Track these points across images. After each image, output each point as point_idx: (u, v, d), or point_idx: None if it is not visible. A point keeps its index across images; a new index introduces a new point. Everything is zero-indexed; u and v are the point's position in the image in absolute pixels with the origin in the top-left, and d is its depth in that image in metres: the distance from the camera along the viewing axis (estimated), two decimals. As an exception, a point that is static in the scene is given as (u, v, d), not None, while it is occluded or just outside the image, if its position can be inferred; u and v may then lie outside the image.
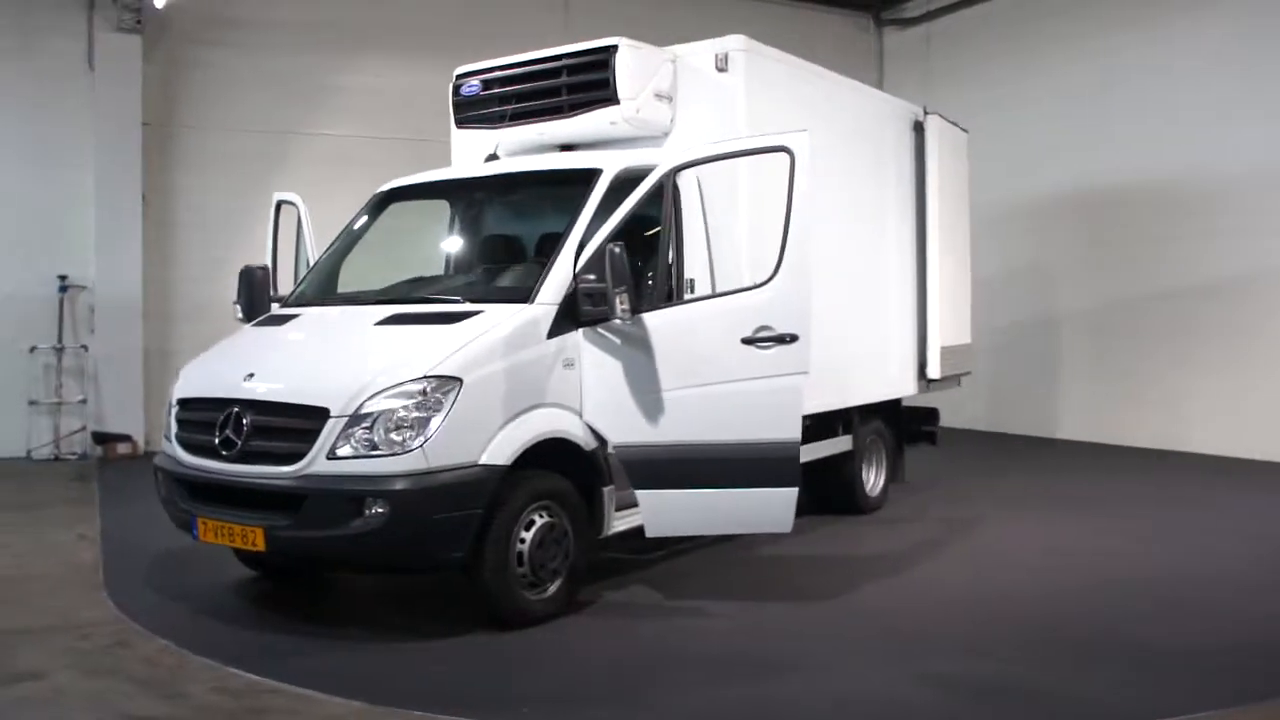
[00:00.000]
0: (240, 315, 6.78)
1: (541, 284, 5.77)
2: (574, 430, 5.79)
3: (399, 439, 5.15)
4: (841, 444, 8.39)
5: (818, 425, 8.16)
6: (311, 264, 7.13)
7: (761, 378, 5.78)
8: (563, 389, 5.75)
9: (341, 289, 6.91)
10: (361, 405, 5.19)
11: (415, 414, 5.18)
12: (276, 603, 6.21)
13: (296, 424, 5.31)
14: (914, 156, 9.18)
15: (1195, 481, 10.44)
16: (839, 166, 7.98)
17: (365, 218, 7.14)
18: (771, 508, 5.83)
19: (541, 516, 5.64)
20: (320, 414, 5.24)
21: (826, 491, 8.76)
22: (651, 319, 5.82)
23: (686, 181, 6.57)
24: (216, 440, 5.52)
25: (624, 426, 5.83)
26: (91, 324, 12.04)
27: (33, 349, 11.86)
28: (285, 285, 7.17)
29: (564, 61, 6.95)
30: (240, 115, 13.00)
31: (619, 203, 5.91)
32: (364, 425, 5.17)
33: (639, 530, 6.03)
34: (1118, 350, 13.11)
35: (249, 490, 5.40)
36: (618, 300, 5.53)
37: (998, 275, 14.89)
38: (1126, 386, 12.95)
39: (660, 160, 6.12)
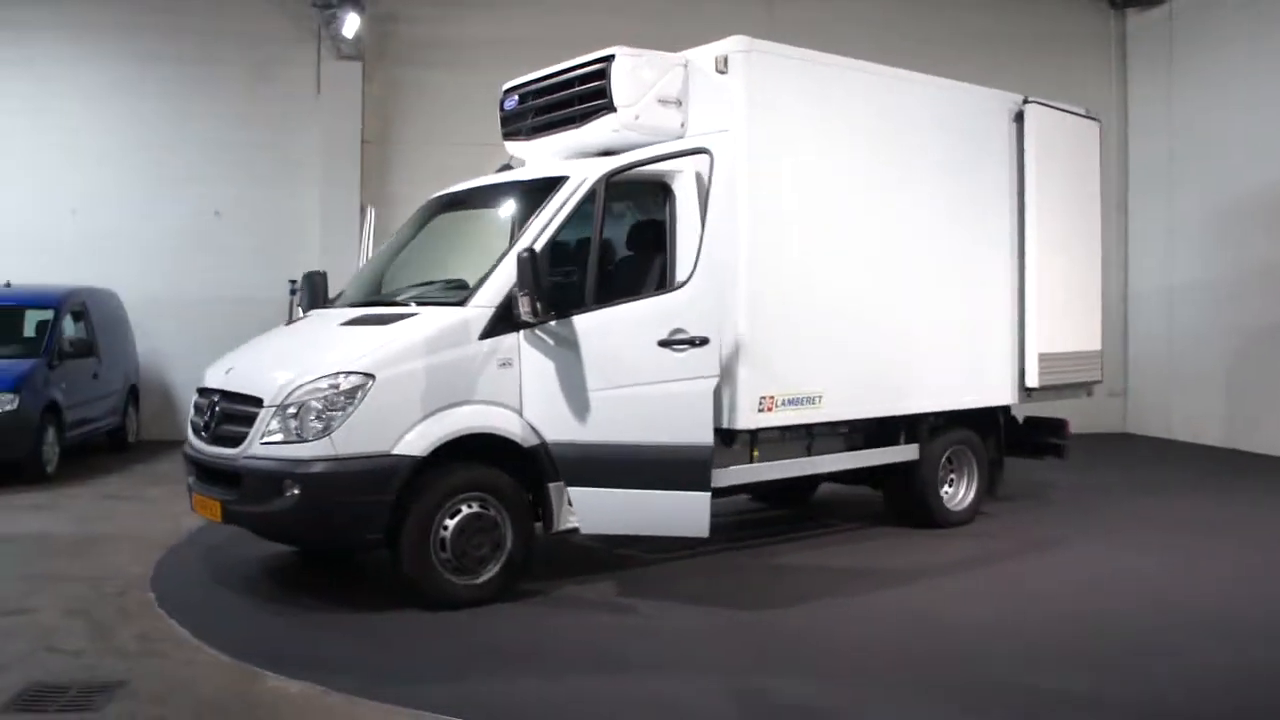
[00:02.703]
0: (302, 316, 7.60)
1: (478, 288, 6.10)
2: (508, 427, 6.06)
3: (315, 427, 5.69)
4: (901, 453, 8.01)
5: (875, 431, 7.92)
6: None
7: (675, 380, 5.83)
8: (497, 387, 6.03)
9: (385, 291, 7.54)
10: (288, 397, 5.79)
11: (328, 406, 5.70)
12: (286, 586, 6.71)
13: (243, 411, 6.01)
14: (1015, 149, 8.53)
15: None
16: (890, 162, 7.68)
17: (408, 226, 7.74)
18: (687, 511, 5.85)
19: (470, 507, 5.97)
20: (258, 403, 5.90)
21: (895, 502, 8.45)
22: (580, 321, 6.00)
23: (684, 183, 6.64)
24: (200, 424, 6.34)
25: (557, 425, 6.03)
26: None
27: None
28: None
29: (575, 73, 7.18)
30: (449, 130, 14.07)
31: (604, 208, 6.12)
32: (290, 414, 5.76)
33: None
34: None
35: (214, 468, 6.17)
36: (523, 303, 5.75)
37: (1225, 278, 13.40)
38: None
39: (594, 168, 6.23)
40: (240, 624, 5.83)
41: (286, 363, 6.15)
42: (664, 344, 5.85)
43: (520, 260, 5.75)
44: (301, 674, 4.88)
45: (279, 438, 5.79)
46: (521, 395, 6.09)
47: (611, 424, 5.93)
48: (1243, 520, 8.86)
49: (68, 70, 13.58)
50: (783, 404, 7.04)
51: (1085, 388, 9.29)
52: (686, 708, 4.59)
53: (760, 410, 6.90)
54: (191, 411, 6.77)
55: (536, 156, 7.60)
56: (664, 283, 6.61)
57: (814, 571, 7.08)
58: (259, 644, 5.38)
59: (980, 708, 4.61)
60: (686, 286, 5.87)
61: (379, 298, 6.91)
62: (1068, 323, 8.82)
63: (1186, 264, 14.33)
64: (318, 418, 5.70)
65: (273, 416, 5.80)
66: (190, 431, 6.63)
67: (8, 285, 11.39)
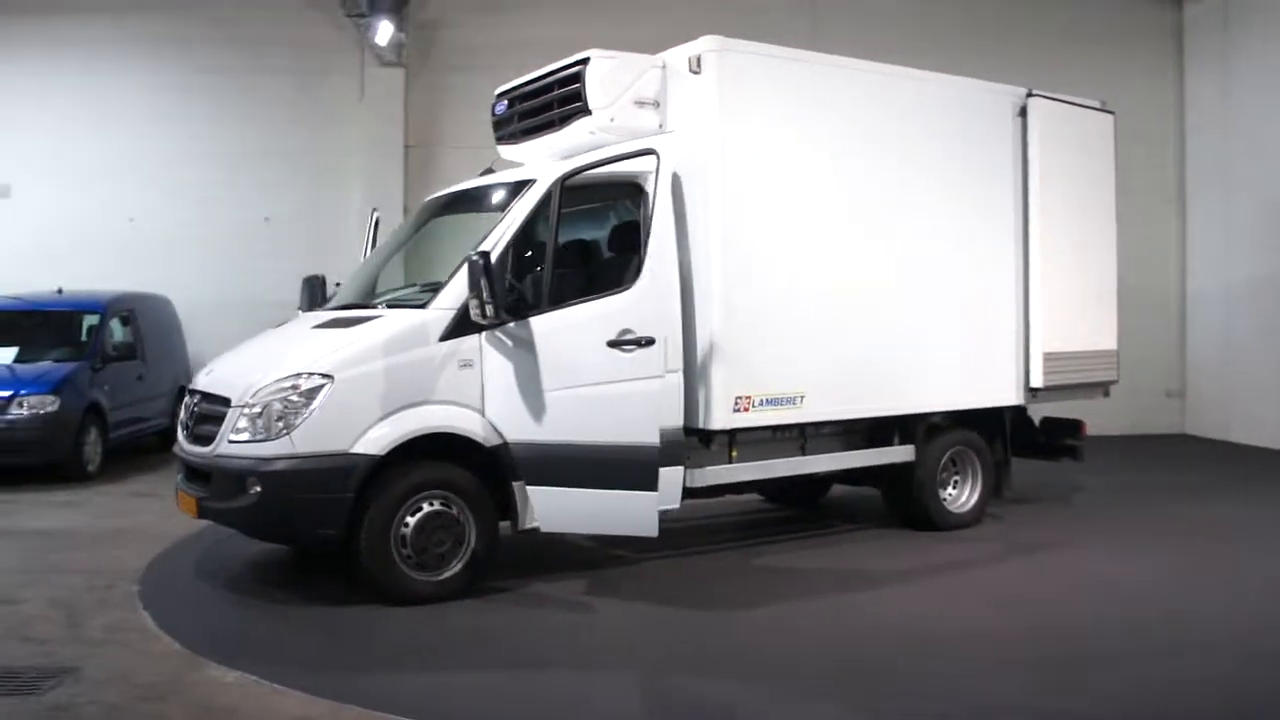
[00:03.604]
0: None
1: (440, 291, 6.22)
2: (470, 427, 6.16)
3: (277, 427, 5.88)
4: (895, 454, 7.91)
5: (872, 431, 7.84)
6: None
7: (623, 381, 5.89)
8: (458, 387, 6.15)
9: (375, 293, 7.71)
10: (252, 397, 5.99)
11: (289, 406, 5.88)
12: (269, 581, 6.85)
13: (216, 411, 6.24)
14: (1020, 144, 8.35)
15: None
16: (879, 159, 7.61)
17: (403, 228, 7.92)
18: (635, 511, 5.89)
19: (431, 504, 6.10)
20: (227, 403, 6.12)
21: (895, 504, 8.35)
22: (537, 323, 6.09)
23: (661, 184, 6.68)
24: (184, 423, 6.60)
25: (517, 425, 6.13)
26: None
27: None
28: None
29: (554, 77, 7.27)
30: (491, 133, 14.31)
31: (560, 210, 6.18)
32: (255, 414, 5.96)
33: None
34: None
35: (193, 466, 6.41)
36: (473, 306, 5.86)
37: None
38: None
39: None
40: (206, 616, 6.05)
41: (257, 364, 6.36)
42: (613, 344, 5.91)
43: (471, 264, 5.86)
44: (244, 664, 5.05)
45: (245, 437, 5.99)
46: (483, 395, 6.19)
47: (566, 424, 6.00)
48: (1260, 526, 8.53)
49: (127, 84, 14.18)
50: (760, 404, 7.01)
51: (1101, 388, 9.06)
52: (586, 703, 4.64)
53: (736, 410, 6.90)
54: (181, 411, 7.05)
55: (525, 159, 7.71)
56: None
57: (789, 573, 7.04)
58: (216, 635, 5.59)
59: (884, 713, 4.56)
60: (634, 287, 5.92)
61: (360, 301, 7.08)
62: (1078, 322, 8.61)
63: (1245, 262, 13.82)
64: (279, 417, 5.88)
65: (239, 416, 6.01)
66: (179, 431, 6.90)
67: (59, 292, 11.92)
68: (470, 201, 7.29)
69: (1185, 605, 6.23)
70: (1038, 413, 8.99)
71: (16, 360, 10.76)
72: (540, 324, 6.08)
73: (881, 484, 8.31)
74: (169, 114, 14.19)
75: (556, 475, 6.02)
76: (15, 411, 9.97)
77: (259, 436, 5.93)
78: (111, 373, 11.20)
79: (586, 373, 5.98)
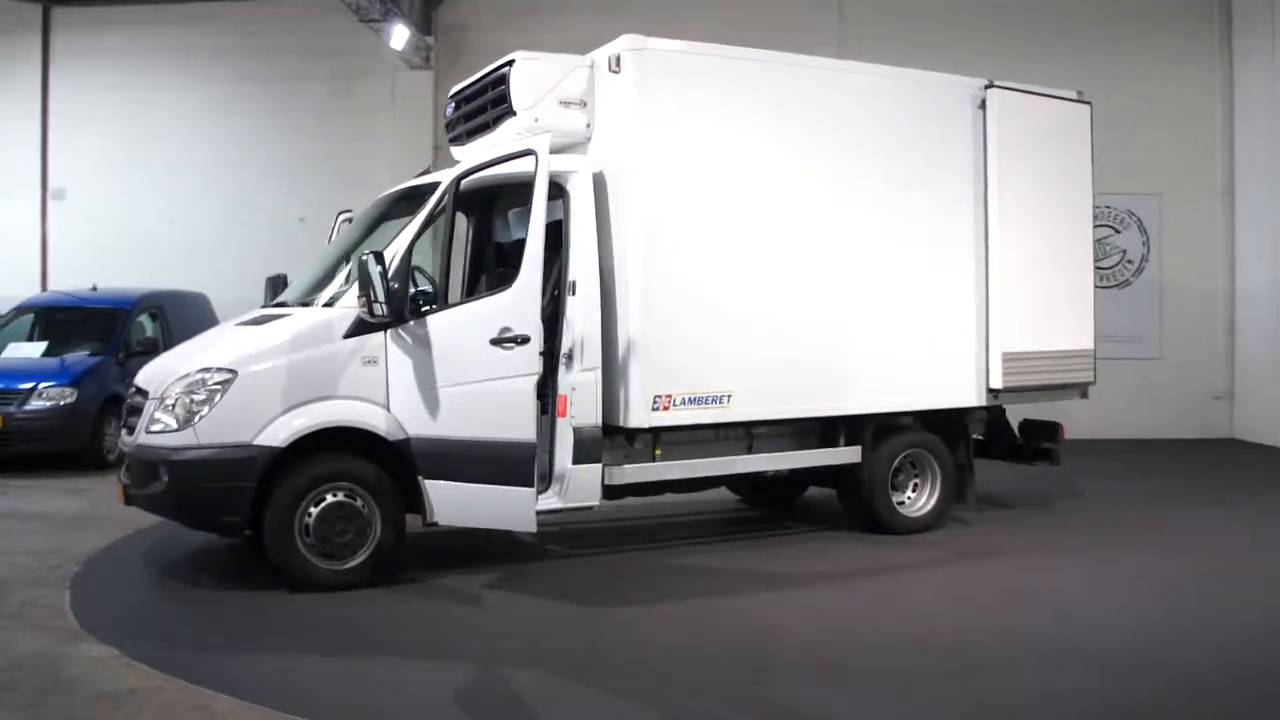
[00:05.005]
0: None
1: (346, 290, 6.42)
2: (373, 421, 6.33)
3: (183, 418, 6.16)
4: (838, 455, 7.81)
5: (821, 432, 7.77)
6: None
7: (503, 378, 6.01)
8: (362, 383, 6.33)
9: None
10: (165, 390, 6.29)
11: (195, 399, 6.16)
12: (206, 567, 7.10)
13: (138, 403, 6.57)
14: (980, 138, 8.15)
15: None
16: (818, 156, 7.54)
17: (351, 230, 8.14)
18: (514, 506, 6.01)
19: (334, 495, 6.30)
20: (146, 396, 6.44)
21: (847, 506, 8.25)
22: (432, 321, 6.26)
23: (578, 184, 6.82)
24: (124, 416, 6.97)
25: (417, 420, 6.30)
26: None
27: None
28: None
29: (487, 79, 7.42)
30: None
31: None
32: (167, 406, 6.26)
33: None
34: None
35: (123, 456, 6.75)
36: (360, 305, 6.05)
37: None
38: None
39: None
40: (119, 597, 6.36)
41: (178, 359, 6.68)
42: (495, 342, 6.03)
43: (360, 263, 6.05)
44: (118, 641, 5.31)
45: (159, 428, 6.29)
46: (388, 391, 6.36)
47: (456, 420, 6.16)
48: (1238, 536, 8.15)
49: (169, 93, 14.92)
50: (682, 403, 7.02)
51: (1077, 389, 8.76)
52: (406, 690, 4.77)
53: (655, 409, 6.92)
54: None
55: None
56: (560, 283, 6.84)
57: (707, 573, 7.00)
58: (114, 615, 5.89)
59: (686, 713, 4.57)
60: (513, 286, 6.03)
61: (300, 300, 7.31)
62: (1043, 321, 8.34)
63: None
64: (186, 410, 6.17)
65: (155, 408, 6.32)
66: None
67: (94, 289, 12.59)
68: (406, 203, 7.47)
69: (1093, 618, 5.98)
70: (1043, 416, 8.83)
71: (46, 354, 11.43)
72: (435, 322, 6.26)
73: (837, 486, 8.22)
74: (209, 121, 14.88)
75: (448, 470, 6.19)
76: (36, 402, 10.61)
77: (170, 428, 6.22)
78: (136, 366, 11.73)
79: (474, 370, 6.12)
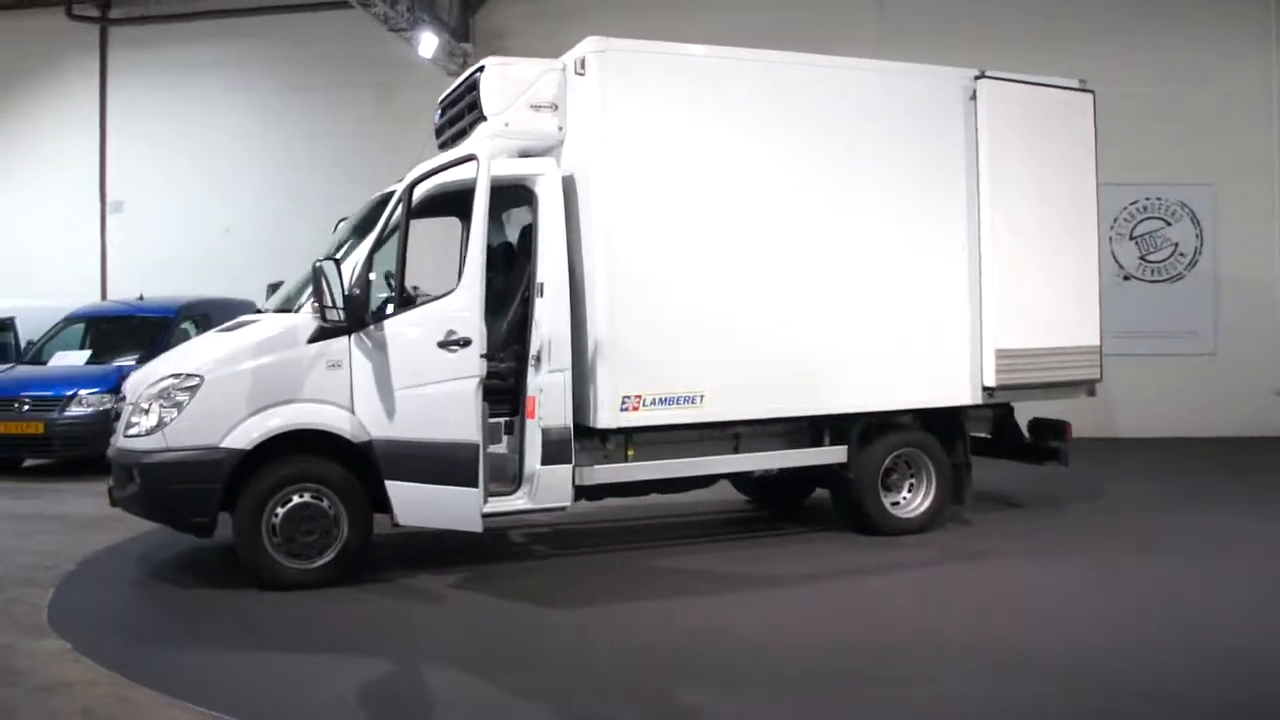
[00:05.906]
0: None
1: (309, 296, 6.58)
2: (337, 424, 6.48)
3: (154, 423, 6.39)
4: (823, 455, 7.71)
5: (811, 432, 7.69)
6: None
7: (449, 380, 6.10)
8: (327, 387, 6.48)
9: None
10: (140, 395, 6.53)
11: (165, 403, 6.39)
12: (194, 567, 7.29)
13: (120, 408, 6.82)
14: (972, 131, 7.96)
15: None
16: (797, 154, 7.47)
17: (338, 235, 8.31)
18: (460, 506, 6.10)
19: (301, 496, 6.47)
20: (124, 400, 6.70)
21: (838, 507, 8.16)
22: (389, 325, 6.39)
23: (546, 187, 6.89)
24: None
25: (378, 422, 6.43)
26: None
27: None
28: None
29: (463, 85, 7.54)
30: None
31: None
32: (142, 410, 6.50)
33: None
34: None
35: (110, 460, 7.03)
36: (313, 308, 6.20)
37: None
38: None
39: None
40: (97, 596, 6.58)
41: (158, 365, 6.92)
42: (441, 345, 6.12)
43: (314, 269, 6.20)
44: (78, 637, 5.55)
45: (134, 431, 6.53)
46: (353, 394, 6.50)
47: (411, 422, 6.27)
48: (1235, 541, 7.81)
49: (221, 105, 15.42)
50: (653, 403, 7.02)
51: (1082, 387, 8.49)
52: (322, 686, 4.87)
53: (624, 409, 6.93)
54: (120, 409, 7.71)
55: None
56: (530, 286, 6.92)
57: (678, 574, 6.98)
58: (84, 613, 6.13)
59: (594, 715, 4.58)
60: (458, 290, 6.12)
61: (285, 306, 7.51)
62: (1041, 317, 8.10)
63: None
64: (157, 414, 6.39)
65: (131, 413, 6.56)
66: (118, 426, 7.56)
67: (140, 298, 13.09)
68: (382, 207, 7.63)
69: (1063, 625, 5.80)
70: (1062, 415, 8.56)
71: (90, 361, 11.92)
72: (391, 326, 6.39)
73: (830, 486, 8.13)
74: (261, 131, 15.34)
75: (404, 471, 6.31)
76: (75, 409, 11.07)
77: (143, 431, 6.46)
78: (178, 372, 12.19)
79: (427, 373, 6.23)
